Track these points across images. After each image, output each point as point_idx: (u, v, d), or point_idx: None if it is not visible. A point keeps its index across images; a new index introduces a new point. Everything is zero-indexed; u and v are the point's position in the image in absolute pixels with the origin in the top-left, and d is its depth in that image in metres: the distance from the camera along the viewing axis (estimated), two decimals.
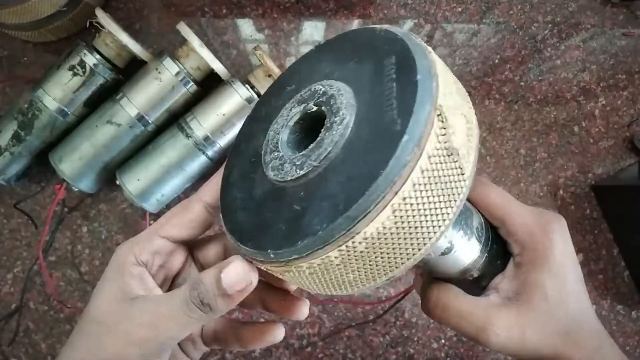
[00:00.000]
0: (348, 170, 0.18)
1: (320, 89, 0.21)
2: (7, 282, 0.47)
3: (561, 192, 0.50)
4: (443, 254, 0.24)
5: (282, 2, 0.51)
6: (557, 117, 0.51)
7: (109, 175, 0.45)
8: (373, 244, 0.17)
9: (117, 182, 0.44)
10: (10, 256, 0.47)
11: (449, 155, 0.17)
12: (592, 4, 0.51)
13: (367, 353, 0.47)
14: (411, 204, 0.16)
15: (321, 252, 0.17)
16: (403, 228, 0.17)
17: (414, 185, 0.16)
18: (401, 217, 0.16)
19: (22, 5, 0.42)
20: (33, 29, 0.46)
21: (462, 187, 0.18)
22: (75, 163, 0.43)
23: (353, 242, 0.16)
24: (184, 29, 0.42)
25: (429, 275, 0.26)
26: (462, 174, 0.18)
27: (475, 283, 0.26)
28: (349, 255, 0.17)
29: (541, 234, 0.23)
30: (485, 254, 0.25)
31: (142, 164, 0.43)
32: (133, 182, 0.43)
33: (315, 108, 0.21)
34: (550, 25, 0.53)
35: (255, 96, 0.43)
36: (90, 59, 0.42)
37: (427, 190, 0.17)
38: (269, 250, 0.19)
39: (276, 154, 0.21)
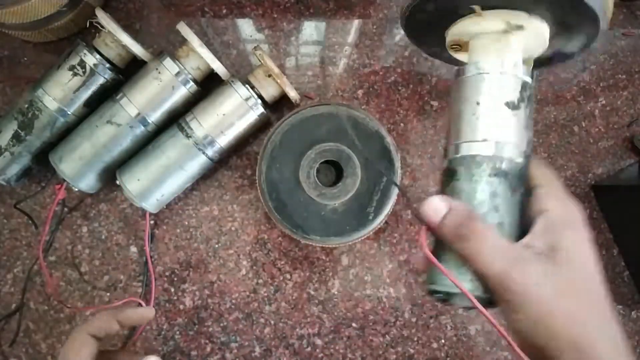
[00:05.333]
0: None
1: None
2: (7, 282, 0.47)
3: None
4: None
5: (282, 2, 0.51)
6: (557, 117, 0.51)
7: (109, 175, 0.45)
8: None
9: (117, 182, 0.44)
10: (10, 256, 0.47)
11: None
12: None
13: (367, 353, 0.47)
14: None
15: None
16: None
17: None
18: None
19: (22, 5, 0.42)
20: (33, 29, 0.45)
21: None
22: (76, 163, 0.43)
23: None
24: (184, 29, 0.42)
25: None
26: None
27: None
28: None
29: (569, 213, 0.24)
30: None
31: (142, 163, 0.43)
32: (133, 182, 0.43)
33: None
34: None
35: (255, 96, 0.43)
36: (90, 59, 0.42)
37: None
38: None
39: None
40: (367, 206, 0.40)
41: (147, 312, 0.35)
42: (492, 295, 0.23)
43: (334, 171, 0.44)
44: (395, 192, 0.40)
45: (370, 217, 0.40)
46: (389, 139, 0.40)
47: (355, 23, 0.51)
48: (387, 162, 0.39)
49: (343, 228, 0.40)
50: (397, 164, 0.40)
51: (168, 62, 0.42)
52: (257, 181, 0.41)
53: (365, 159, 0.39)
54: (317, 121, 0.41)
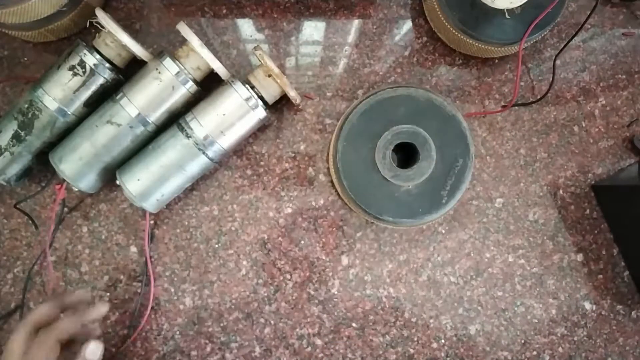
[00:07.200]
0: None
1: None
2: (7, 282, 0.47)
3: (561, 192, 0.50)
4: None
5: (282, 2, 0.51)
6: (557, 117, 0.51)
7: (109, 175, 0.45)
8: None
9: (117, 182, 0.44)
10: (10, 256, 0.47)
11: None
12: (592, 4, 0.51)
13: (367, 353, 0.47)
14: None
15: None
16: None
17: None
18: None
19: (22, 5, 0.42)
20: (33, 29, 0.46)
21: None
22: (76, 163, 0.43)
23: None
24: (184, 29, 0.42)
25: None
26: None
27: None
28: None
29: None
30: None
31: (142, 163, 0.43)
32: (133, 182, 0.43)
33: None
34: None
35: (255, 96, 0.43)
36: (90, 59, 0.42)
37: None
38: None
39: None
40: (441, 189, 0.40)
41: (103, 308, 0.38)
42: None
43: (407, 153, 0.44)
44: (469, 177, 0.39)
45: (444, 201, 0.39)
46: (465, 124, 0.40)
47: (355, 23, 0.51)
48: (463, 147, 0.39)
49: (416, 210, 0.39)
50: (472, 149, 0.39)
51: (168, 62, 0.42)
52: (330, 160, 0.42)
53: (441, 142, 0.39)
54: (395, 103, 0.41)
